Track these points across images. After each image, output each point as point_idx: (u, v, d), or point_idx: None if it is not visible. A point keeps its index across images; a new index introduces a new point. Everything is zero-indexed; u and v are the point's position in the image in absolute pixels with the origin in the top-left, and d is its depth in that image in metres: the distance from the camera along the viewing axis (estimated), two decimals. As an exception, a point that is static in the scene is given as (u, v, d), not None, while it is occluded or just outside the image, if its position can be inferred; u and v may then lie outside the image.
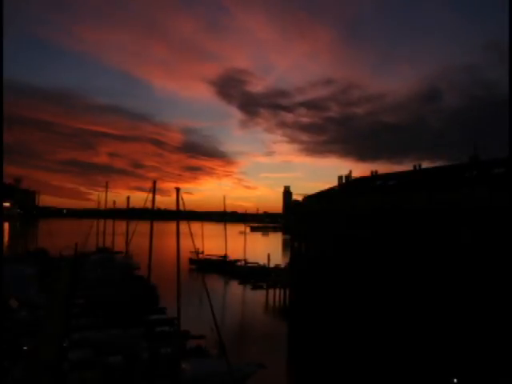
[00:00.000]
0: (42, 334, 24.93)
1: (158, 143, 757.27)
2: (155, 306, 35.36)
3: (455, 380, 22.74)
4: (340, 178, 49.85)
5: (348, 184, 47.76)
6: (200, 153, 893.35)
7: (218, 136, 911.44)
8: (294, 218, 50.43)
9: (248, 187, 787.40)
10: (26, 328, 25.22)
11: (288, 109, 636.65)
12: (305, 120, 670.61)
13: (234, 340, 30.25)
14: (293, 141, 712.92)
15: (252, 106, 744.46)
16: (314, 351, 31.46)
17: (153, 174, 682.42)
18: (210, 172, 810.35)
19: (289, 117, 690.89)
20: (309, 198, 46.34)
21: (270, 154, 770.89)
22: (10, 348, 21.45)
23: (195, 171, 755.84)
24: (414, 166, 40.78)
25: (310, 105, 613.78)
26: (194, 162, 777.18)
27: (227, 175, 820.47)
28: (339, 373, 26.84)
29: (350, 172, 49.70)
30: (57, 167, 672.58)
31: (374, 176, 45.16)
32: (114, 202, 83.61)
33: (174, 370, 19.84)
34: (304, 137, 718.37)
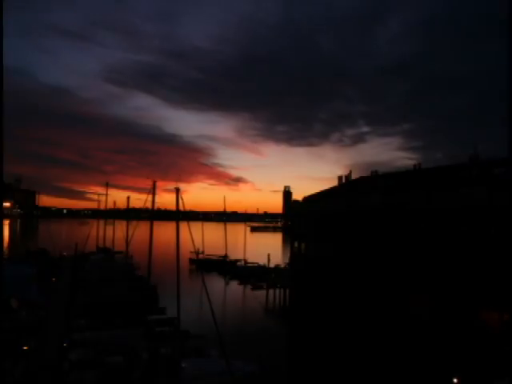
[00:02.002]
0: (42, 333, 24.96)
1: (80, 121, 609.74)
2: (155, 306, 35.43)
3: (455, 380, 22.75)
4: (340, 177, 49.84)
5: (348, 184, 47.78)
6: (148, 136, 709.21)
7: (150, 108, 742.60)
8: (293, 217, 50.48)
9: (229, 184, 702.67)
10: (27, 328, 25.25)
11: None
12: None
13: (234, 340, 30.24)
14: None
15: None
16: (314, 351, 31.48)
17: (108, 168, 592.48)
18: (175, 164, 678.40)
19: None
20: (308, 198, 46.40)
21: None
22: (10, 348, 21.48)
23: (156, 164, 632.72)
24: (414, 166, 40.74)
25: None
26: (150, 148, 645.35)
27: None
28: (339, 372, 26.86)
29: (350, 172, 49.69)
30: None
31: (374, 176, 45.16)
32: (115, 203, 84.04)
33: (174, 370, 19.88)
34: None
